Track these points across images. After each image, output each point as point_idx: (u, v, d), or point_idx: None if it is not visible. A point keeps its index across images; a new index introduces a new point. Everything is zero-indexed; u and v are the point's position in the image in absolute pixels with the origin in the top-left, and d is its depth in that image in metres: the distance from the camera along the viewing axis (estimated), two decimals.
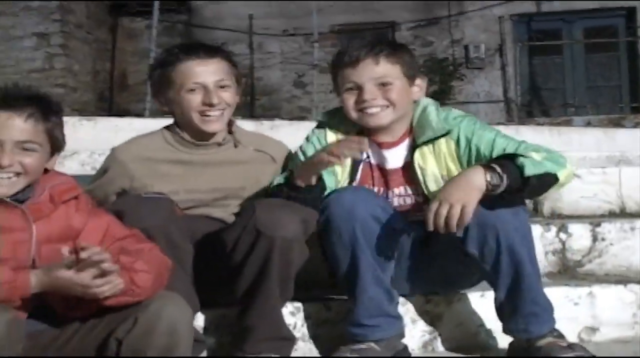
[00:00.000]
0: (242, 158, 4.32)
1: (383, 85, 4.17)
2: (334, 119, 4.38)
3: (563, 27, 23.55)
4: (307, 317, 4.26)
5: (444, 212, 3.69)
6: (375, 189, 4.26)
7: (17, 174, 3.47)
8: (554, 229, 5.28)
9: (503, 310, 4.06)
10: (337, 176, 4.26)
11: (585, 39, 23.46)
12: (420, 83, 4.32)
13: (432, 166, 4.16)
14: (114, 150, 4.27)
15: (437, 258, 4.12)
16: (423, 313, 4.41)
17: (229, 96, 4.28)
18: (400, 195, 4.29)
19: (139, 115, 17.05)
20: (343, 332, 4.04)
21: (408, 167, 4.24)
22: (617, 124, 19.07)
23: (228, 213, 4.21)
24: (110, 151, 4.27)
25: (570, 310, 4.53)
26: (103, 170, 4.26)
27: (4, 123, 3.48)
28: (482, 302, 4.22)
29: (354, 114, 4.23)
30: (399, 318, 4.10)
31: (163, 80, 4.27)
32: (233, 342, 3.99)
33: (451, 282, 4.31)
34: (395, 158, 4.27)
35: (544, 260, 5.17)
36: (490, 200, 3.81)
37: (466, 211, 3.67)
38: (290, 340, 4.06)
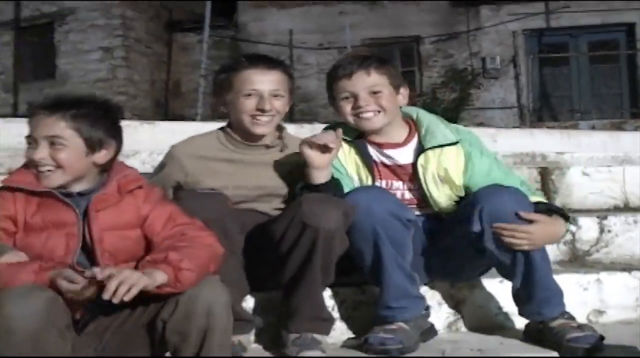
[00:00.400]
0: (286, 161, 4.30)
1: (374, 93, 4.20)
2: (340, 125, 4.38)
3: (570, 41, 23.58)
4: (343, 300, 4.24)
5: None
6: (383, 183, 4.27)
7: (54, 168, 3.50)
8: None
9: (519, 296, 4.05)
10: (351, 177, 4.32)
11: (589, 52, 23.50)
12: (404, 91, 4.34)
13: (433, 168, 4.16)
14: (172, 148, 4.28)
15: (446, 251, 4.10)
16: (447, 298, 4.39)
17: (281, 105, 4.27)
18: (399, 189, 4.29)
19: (192, 119, 17.09)
20: (375, 315, 4.01)
21: (411, 166, 4.24)
22: (619, 127, 19.04)
23: (271, 208, 4.19)
24: (168, 149, 4.26)
25: (580, 294, 4.52)
26: (161, 166, 4.27)
27: (36, 123, 3.52)
28: (501, 288, 4.20)
29: (350, 119, 4.26)
30: (422, 298, 4.08)
31: (225, 83, 4.26)
32: (279, 321, 3.97)
33: (462, 269, 4.27)
34: (400, 157, 4.27)
35: (556, 250, 5.16)
36: (502, 201, 3.87)
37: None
38: (330, 320, 4.04)
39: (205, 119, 14.45)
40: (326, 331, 3.98)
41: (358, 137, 4.30)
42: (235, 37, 24.15)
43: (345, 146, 4.29)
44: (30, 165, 3.50)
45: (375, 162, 4.30)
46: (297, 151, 4.17)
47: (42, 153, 3.46)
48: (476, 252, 4.04)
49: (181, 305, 3.22)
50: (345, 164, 4.33)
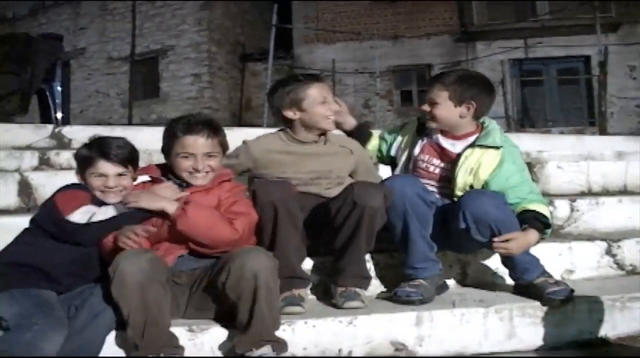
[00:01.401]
0: (330, 151, 4.29)
1: (433, 104, 4.17)
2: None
3: (543, 68, 23.57)
4: (377, 263, 4.21)
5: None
6: (426, 157, 4.29)
7: (207, 173, 3.70)
8: None
9: (506, 265, 4.12)
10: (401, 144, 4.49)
11: (558, 76, 23.44)
12: (469, 105, 4.15)
13: (472, 161, 4.09)
14: (245, 142, 4.30)
15: (451, 232, 4.02)
16: (456, 261, 4.38)
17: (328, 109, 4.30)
18: (432, 164, 4.27)
19: (260, 126, 17.11)
20: (401, 274, 4.00)
21: (456, 155, 4.18)
22: (581, 132, 18.89)
23: (322, 189, 4.17)
24: (242, 143, 4.29)
25: (556, 258, 4.50)
26: (235, 155, 4.23)
27: (193, 143, 3.66)
28: (496, 255, 4.15)
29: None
30: (438, 261, 4.04)
31: (299, 96, 4.21)
32: (329, 279, 3.95)
33: (461, 246, 4.22)
34: (451, 145, 4.23)
35: None
36: (479, 199, 3.87)
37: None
38: (369, 278, 4.03)
39: (269, 126, 14.48)
40: (365, 286, 3.95)
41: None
42: (292, 65, 24.13)
43: (413, 127, 4.45)
44: (183, 170, 3.69)
45: (430, 141, 4.30)
46: (337, 143, 4.32)
47: (202, 164, 3.68)
48: (468, 238, 3.99)
49: (233, 271, 3.26)
50: (403, 136, 4.49)
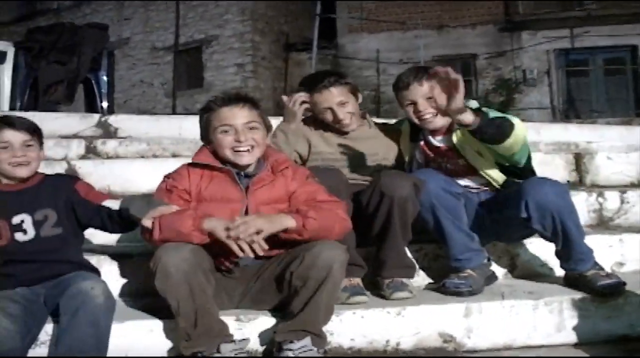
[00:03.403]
0: (374, 134, 4.38)
1: (429, 99, 4.06)
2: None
3: (589, 58, 23.26)
4: (426, 253, 4.21)
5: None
6: (427, 157, 4.26)
7: (252, 147, 3.51)
8: (594, 195, 5.15)
9: (560, 256, 4.01)
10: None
11: (604, 66, 23.17)
12: None
13: (466, 141, 4.03)
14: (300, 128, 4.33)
15: (496, 222, 4.01)
16: (505, 253, 4.35)
17: (351, 107, 4.31)
18: (442, 163, 4.20)
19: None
20: (447, 266, 3.99)
21: (449, 148, 4.17)
22: (627, 123, 18.66)
23: (370, 171, 4.21)
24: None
25: (606, 250, 4.42)
26: (286, 142, 4.21)
27: (232, 114, 3.53)
28: (546, 246, 4.08)
29: (415, 121, 4.19)
30: (481, 250, 4.01)
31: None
32: (373, 270, 3.94)
33: (504, 236, 4.20)
34: (442, 141, 4.20)
35: (587, 217, 5.06)
36: (542, 188, 3.77)
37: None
38: (412, 267, 4.02)
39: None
40: (410, 275, 3.95)
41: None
42: (336, 55, 24.12)
43: (406, 134, 4.40)
44: (226, 147, 3.52)
45: (429, 146, 4.26)
46: (379, 127, 4.47)
47: (245, 136, 3.49)
48: (521, 227, 3.98)
49: (307, 258, 3.21)
50: (404, 149, 4.38)
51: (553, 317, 3.71)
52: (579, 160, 5.91)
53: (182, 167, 3.60)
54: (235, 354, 3.17)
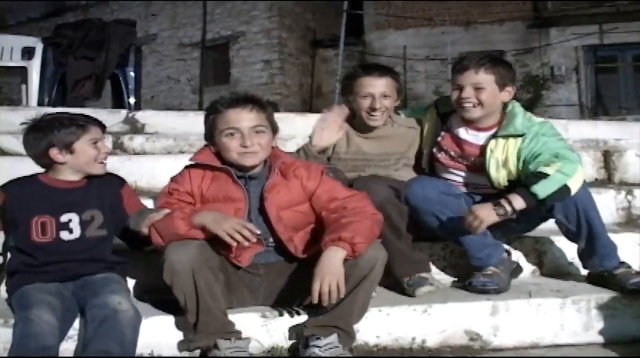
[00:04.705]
0: (396, 132, 4.32)
1: (478, 89, 3.99)
2: (443, 102, 4.32)
3: (618, 54, 23.00)
4: (452, 251, 4.19)
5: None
6: (449, 148, 4.19)
7: (257, 152, 3.46)
8: (623, 193, 5.11)
9: (583, 254, 3.97)
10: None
11: (634, 63, 22.90)
12: (510, 89, 4.06)
13: (499, 153, 3.95)
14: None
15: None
16: (532, 250, 4.32)
17: (389, 103, 4.22)
18: (453, 156, 4.15)
19: None
20: (470, 266, 3.99)
21: (480, 147, 4.06)
22: None
23: (391, 170, 4.19)
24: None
25: (635, 248, 4.35)
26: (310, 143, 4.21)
27: (238, 117, 3.45)
28: (573, 244, 4.05)
29: (455, 106, 4.10)
30: (498, 243, 4.01)
31: (348, 88, 4.27)
32: (395, 272, 3.89)
33: (514, 230, 4.17)
34: (475, 138, 4.09)
35: (615, 215, 5.05)
36: None
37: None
38: (422, 261, 3.98)
39: None
40: (423, 269, 3.91)
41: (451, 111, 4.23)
42: (363, 51, 24.09)
43: (431, 121, 4.31)
44: (231, 150, 3.46)
45: (449, 132, 4.21)
46: (404, 125, 4.38)
47: (250, 140, 3.43)
48: (534, 219, 4.02)
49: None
50: (425, 137, 4.32)
51: (580, 315, 3.69)
52: (608, 157, 5.84)
53: (184, 169, 3.59)
54: (232, 353, 3.16)
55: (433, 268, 4.15)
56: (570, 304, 3.69)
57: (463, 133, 4.15)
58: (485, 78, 3.98)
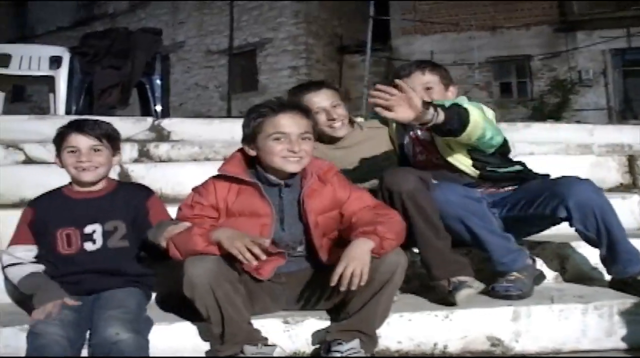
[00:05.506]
0: (368, 135, 4.42)
1: (427, 89, 4.15)
2: None
3: None
4: (474, 256, 4.11)
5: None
6: (418, 149, 4.25)
7: (301, 158, 3.43)
8: None
9: (606, 260, 3.92)
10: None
11: None
12: (453, 89, 4.29)
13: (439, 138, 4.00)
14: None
15: (521, 220, 3.95)
16: (555, 256, 4.28)
17: (342, 110, 4.37)
18: (426, 159, 4.18)
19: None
20: (494, 272, 3.92)
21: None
22: None
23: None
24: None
25: None
26: None
27: (289, 122, 3.42)
28: (594, 250, 4.02)
29: None
30: (521, 249, 3.96)
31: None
32: (428, 275, 3.85)
33: (524, 234, 4.15)
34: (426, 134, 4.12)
35: (639, 219, 5.01)
36: (580, 186, 3.72)
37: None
38: (461, 262, 3.82)
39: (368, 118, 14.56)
40: (462, 273, 3.75)
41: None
42: (390, 57, 24.13)
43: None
44: (276, 154, 3.42)
45: (412, 135, 4.27)
46: (366, 126, 4.47)
47: (298, 146, 3.40)
48: (545, 223, 4.00)
49: (372, 262, 3.18)
50: (394, 138, 4.39)
51: (603, 321, 3.65)
52: (632, 162, 5.79)
53: (209, 180, 3.54)
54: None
55: None
56: (592, 310, 3.65)
57: (423, 134, 4.19)
58: (432, 78, 4.21)
